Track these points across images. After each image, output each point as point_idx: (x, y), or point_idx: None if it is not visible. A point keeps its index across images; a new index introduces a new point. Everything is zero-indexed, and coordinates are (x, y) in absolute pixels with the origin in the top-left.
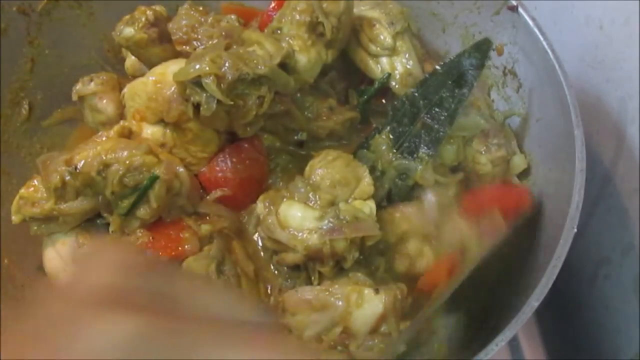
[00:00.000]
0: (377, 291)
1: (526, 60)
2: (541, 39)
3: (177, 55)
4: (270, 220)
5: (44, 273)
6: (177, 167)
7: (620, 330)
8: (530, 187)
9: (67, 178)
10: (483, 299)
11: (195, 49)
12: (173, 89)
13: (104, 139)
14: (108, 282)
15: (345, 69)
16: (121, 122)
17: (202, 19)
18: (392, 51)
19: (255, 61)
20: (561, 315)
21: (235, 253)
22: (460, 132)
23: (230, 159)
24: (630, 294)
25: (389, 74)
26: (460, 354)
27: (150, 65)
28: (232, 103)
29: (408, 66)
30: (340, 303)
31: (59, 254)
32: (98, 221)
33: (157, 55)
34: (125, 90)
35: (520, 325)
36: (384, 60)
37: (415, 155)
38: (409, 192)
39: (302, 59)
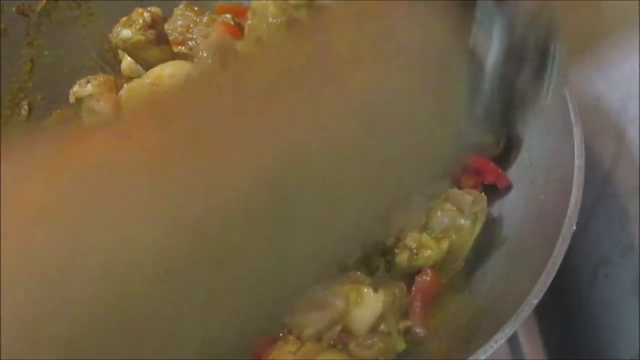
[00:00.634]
0: (376, 290)
1: None
2: None
3: (174, 57)
4: None
5: None
6: None
7: (620, 330)
8: (528, 185)
9: None
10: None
11: (190, 49)
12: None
13: None
14: None
15: None
16: None
17: (198, 19)
18: None
19: None
20: (561, 315)
21: None
22: None
23: None
24: (630, 294)
25: None
26: (459, 352)
27: (148, 67)
28: None
29: None
30: (339, 301)
31: None
32: None
33: (154, 57)
34: (122, 91)
35: (519, 323)
36: None
37: None
38: None
39: None
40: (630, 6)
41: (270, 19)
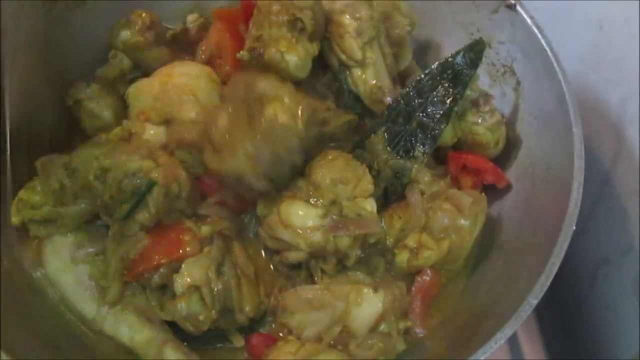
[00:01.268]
0: (376, 290)
1: (524, 58)
2: (539, 37)
3: (173, 57)
4: (271, 220)
5: (44, 273)
6: (178, 170)
7: (620, 330)
8: (528, 185)
9: (66, 181)
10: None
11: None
12: None
13: (102, 142)
14: None
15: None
16: (124, 122)
17: None
18: (361, 63)
19: None
20: (561, 315)
21: (236, 254)
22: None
23: None
24: (630, 294)
25: None
26: (459, 352)
27: (146, 67)
28: None
29: (373, 82)
30: (339, 302)
31: (58, 254)
32: (98, 222)
33: (153, 58)
34: (129, 89)
35: (519, 323)
36: (355, 71)
37: (411, 154)
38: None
39: (292, 59)
40: None
41: (274, 18)
